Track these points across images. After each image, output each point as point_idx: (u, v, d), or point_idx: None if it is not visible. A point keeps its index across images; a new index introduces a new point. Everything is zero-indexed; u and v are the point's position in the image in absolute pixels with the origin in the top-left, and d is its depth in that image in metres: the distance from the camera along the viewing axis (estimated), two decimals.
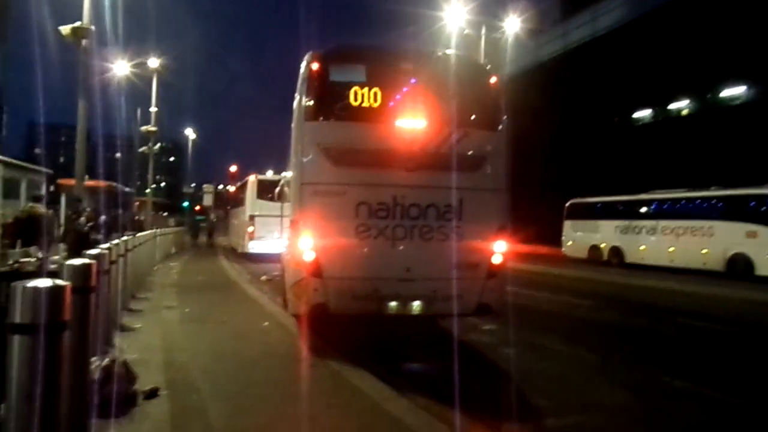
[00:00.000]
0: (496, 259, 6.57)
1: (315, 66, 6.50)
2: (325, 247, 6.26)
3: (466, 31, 25.03)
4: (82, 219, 11.27)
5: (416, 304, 6.38)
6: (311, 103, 6.49)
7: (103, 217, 14.24)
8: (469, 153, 6.58)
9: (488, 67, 7.17)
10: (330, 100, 6.64)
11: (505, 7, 25.74)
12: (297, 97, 6.72)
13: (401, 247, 6.36)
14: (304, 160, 6.47)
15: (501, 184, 6.77)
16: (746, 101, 30.10)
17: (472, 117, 6.82)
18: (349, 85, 6.56)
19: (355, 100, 6.49)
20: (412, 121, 6.49)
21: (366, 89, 6.48)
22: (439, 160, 6.44)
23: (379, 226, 6.31)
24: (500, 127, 6.87)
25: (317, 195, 6.36)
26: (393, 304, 6.32)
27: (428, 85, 6.80)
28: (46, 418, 2.35)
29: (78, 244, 9.43)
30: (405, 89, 6.79)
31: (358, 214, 6.28)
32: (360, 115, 6.51)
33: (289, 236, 6.91)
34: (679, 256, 19.83)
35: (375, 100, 6.51)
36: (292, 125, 6.79)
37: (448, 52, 7.75)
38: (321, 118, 6.57)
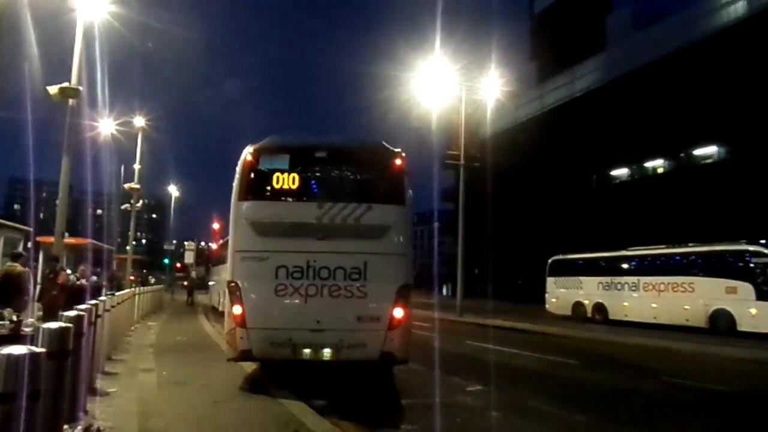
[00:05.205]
0: (397, 313, 7.41)
1: (249, 157, 7.79)
2: (249, 302, 7.42)
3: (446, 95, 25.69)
4: (72, 276, 11.02)
5: (326, 351, 7.32)
6: (242, 186, 7.74)
7: (94, 278, 13.89)
8: (373, 224, 7.64)
9: (397, 150, 8.08)
10: (258, 183, 7.87)
11: (483, 72, 26.60)
12: (235, 178, 7.83)
13: (312, 303, 7.36)
14: (237, 231, 7.73)
15: (404, 250, 7.78)
16: (718, 160, 31.15)
17: (377, 193, 7.94)
18: (274, 171, 7.84)
19: (277, 183, 7.78)
20: (324, 199, 7.69)
21: (286, 174, 7.79)
22: (346, 230, 7.56)
23: (294, 285, 7.38)
24: (404, 200, 7.88)
25: (245, 260, 7.57)
26: (306, 350, 7.32)
27: (339, 169, 8.23)
28: None
29: (65, 302, 9.27)
30: (319, 173, 8.16)
31: (277, 276, 7.37)
32: (281, 195, 7.80)
33: (226, 294, 7.89)
34: (662, 313, 19.87)
35: (293, 182, 7.80)
36: (231, 203, 7.83)
37: (359, 139, 9.25)
38: (250, 198, 7.78)
